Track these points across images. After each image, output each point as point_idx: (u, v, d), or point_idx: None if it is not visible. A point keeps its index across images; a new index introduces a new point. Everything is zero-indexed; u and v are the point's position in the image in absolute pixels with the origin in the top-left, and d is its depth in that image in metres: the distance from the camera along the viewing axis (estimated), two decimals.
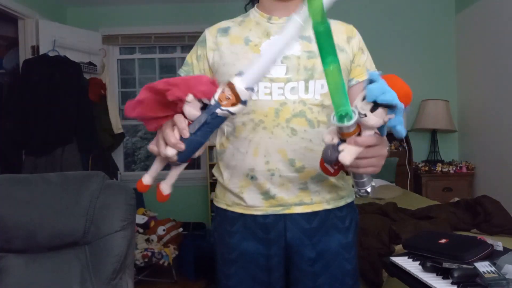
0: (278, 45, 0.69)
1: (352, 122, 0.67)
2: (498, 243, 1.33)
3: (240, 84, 0.68)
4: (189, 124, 0.72)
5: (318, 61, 0.96)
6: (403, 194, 3.22)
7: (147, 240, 3.02)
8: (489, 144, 3.36)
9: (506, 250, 1.29)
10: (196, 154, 0.74)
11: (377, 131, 0.71)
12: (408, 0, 3.90)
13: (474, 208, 2.12)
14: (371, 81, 0.68)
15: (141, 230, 3.08)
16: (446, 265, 1.15)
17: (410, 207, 2.46)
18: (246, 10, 1.10)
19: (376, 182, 3.30)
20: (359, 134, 0.70)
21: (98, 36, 3.81)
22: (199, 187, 3.91)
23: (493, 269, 1.11)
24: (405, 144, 3.73)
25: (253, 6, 1.08)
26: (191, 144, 0.72)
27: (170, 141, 0.71)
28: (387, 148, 0.78)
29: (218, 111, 0.69)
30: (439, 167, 3.59)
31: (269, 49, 0.70)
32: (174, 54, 4.20)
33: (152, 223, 3.14)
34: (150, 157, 4.33)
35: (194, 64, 1.06)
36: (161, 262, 2.86)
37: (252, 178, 0.97)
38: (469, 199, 2.34)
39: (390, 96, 0.66)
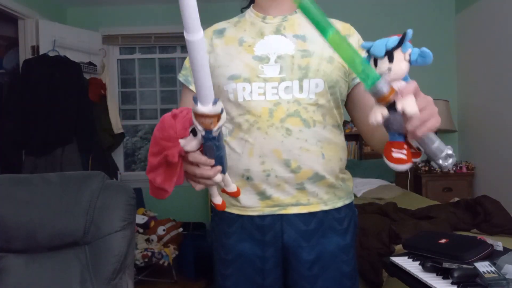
0: (202, 57, 0.67)
1: (382, 80, 0.65)
2: (498, 243, 1.33)
3: (206, 109, 0.66)
4: (201, 149, 0.74)
5: (312, 59, 0.96)
6: (403, 194, 3.22)
7: (147, 240, 3.02)
8: (489, 144, 3.36)
9: (506, 250, 1.29)
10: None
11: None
12: (408, 0, 3.90)
13: (474, 208, 2.12)
14: (367, 51, 0.70)
15: (141, 230, 3.08)
16: (446, 265, 1.15)
17: (410, 207, 2.46)
18: (242, 13, 1.10)
19: (376, 182, 3.29)
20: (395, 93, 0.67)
21: (98, 36, 3.81)
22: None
23: (493, 269, 1.11)
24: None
25: (250, 8, 1.09)
26: (219, 160, 0.74)
27: (210, 175, 0.74)
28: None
29: (214, 133, 0.70)
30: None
31: (197, 60, 0.67)
32: (174, 54, 4.20)
33: (152, 223, 3.14)
34: None
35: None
36: (161, 262, 2.86)
37: (248, 178, 0.97)
38: (469, 199, 2.34)
39: (393, 38, 0.67)
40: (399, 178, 3.64)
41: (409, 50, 0.67)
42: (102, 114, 3.47)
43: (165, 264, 2.88)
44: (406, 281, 1.25)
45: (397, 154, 0.74)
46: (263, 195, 0.97)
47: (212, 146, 0.72)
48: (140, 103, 4.20)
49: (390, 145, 0.74)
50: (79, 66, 3.31)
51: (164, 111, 4.23)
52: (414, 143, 0.74)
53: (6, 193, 1.40)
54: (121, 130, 3.61)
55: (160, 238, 3.05)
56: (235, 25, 1.05)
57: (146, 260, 2.79)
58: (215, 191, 0.82)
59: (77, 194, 1.40)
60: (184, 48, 4.13)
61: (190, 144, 0.72)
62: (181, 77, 1.09)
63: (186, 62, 1.08)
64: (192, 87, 1.06)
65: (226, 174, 0.80)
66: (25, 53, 3.27)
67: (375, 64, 0.69)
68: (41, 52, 3.21)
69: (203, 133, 0.70)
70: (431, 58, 0.67)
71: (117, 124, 3.55)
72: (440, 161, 0.73)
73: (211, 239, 1.10)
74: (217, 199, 0.83)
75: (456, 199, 2.58)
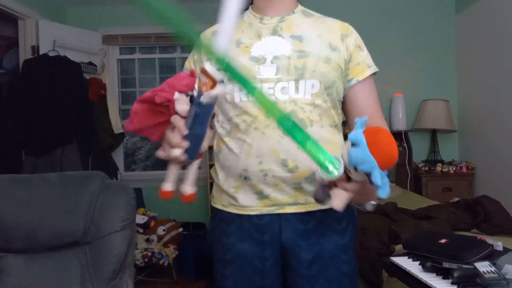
0: (231, 6, 0.72)
1: (338, 176, 0.68)
2: (498, 243, 1.33)
3: (210, 67, 0.70)
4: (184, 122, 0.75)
5: (308, 60, 0.96)
6: (403, 194, 3.22)
7: (147, 240, 3.02)
8: (489, 144, 3.36)
9: (506, 250, 1.29)
10: (203, 148, 0.77)
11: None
12: (408, 0, 3.90)
13: (474, 208, 2.12)
14: (353, 144, 0.67)
15: (141, 230, 3.08)
16: (446, 265, 1.15)
17: (410, 207, 2.46)
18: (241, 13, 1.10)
19: None
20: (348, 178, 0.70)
21: (98, 36, 3.81)
22: (199, 187, 3.89)
23: (493, 269, 1.11)
24: (405, 144, 3.73)
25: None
26: (193, 138, 0.74)
27: (173, 142, 0.73)
28: None
29: (202, 99, 0.72)
30: (439, 167, 3.59)
31: (225, 12, 0.73)
32: (174, 54, 4.20)
33: (152, 223, 3.14)
34: (150, 157, 4.33)
35: (192, 68, 1.06)
36: (161, 262, 2.86)
37: (246, 178, 0.97)
38: (469, 199, 2.34)
39: (369, 168, 0.64)
40: (399, 178, 3.64)
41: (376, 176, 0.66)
42: (102, 114, 3.47)
43: (165, 264, 2.88)
44: (406, 281, 1.25)
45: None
46: (261, 195, 0.97)
47: (193, 114, 0.73)
48: None
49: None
50: (79, 66, 3.30)
51: None
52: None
53: (6, 193, 1.40)
54: (121, 130, 3.61)
55: (160, 238, 3.05)
56: None
57: (146, 260, 2.79)
58: (171, 174, 0.80)
59: (77, 194, 1.40)
60: (183, 48, 4.13)
61: (181, 104, 0.73)
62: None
63: (187, 64, 1.09)
64: None
65: (194, 168, 0.80)
66: (25, 53, 3.27)
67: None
68: (41, 52, 3.21)
69: (195, 92, 0.72)
70: (382, 196, 0.66)
71: (117, 124, 3.55)
72: (356, 206, 0.82)
73: (211, 239, 1.10)
74: (167, 185, 0.80)
75: (456, 199, 2.58)
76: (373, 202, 0.80)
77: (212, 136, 0.79)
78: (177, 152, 0.74)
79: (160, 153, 0.77)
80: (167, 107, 0.75)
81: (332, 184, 0.72)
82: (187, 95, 0.74)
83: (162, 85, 0.76)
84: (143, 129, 0.79)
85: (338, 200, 0.70)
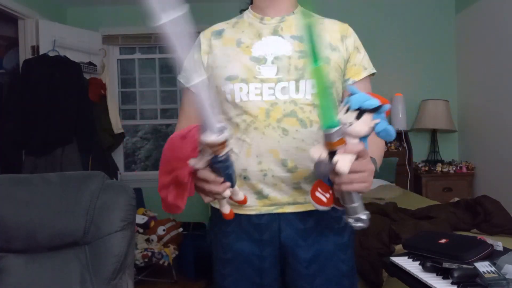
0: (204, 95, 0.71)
1: (337, 128, 0.70)
2: (498, 243, 1.33)
3: (211, 138, 0.70)
4: (210, 166, 0.77)
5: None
6: (403, 194, 3.22)
7: (147, 240, 3.02)
8: (489, 144, 3.36)
9: (506, 250, 1.29)
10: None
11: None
12: (408, 0, 3.90)
13: (474, 208, 2.12)
14: (351, 95, 0.73)
15: (141, 230, 3.08)
16: (446, 265, 1.15)
17: (410, 207, 2.46)
18: (240, 13, 1.11)
19: (376, 182, 3.31)
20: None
21: (98, 36, 3.81)
22: None
23: (493, 269, 1.11)
24: (405, 144, 3.73)
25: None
26: (229, 176, 0.78)
27: (220, 191, 0.78)
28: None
29: (221, 158, 0.74)
30: (439, 167, 3.59)
31: (201, 100, 0.70)
32: None
33: (152, 223, 3.14)
34: (150, 157, 4.34)
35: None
36: (161, 262, 2.86)
37: (245, 178, 0.97)
38: (469, 199, 2.34)
39: (374, 101, 0.69)
40: (399, 178, 3.64)
41: (377, 120, 0.71)
42: (102, 114, 3.47)
43: (165, 264, 2.88)
44: (406, 281, 1.25)
45: (319, 194, 0.80)
46: (260, 195, 0.97)
47: (221, 168, 0.75)
48: (140, 103, 4.19)
49: (318, 184, 0.81)
50: (79, 66, 3.30)
51: (164, 111, 4.23)
52: (338, 193, 0.79)
53: (6, 193, 1.39)
54: (121, 130, 3.61)
55: (160, 238, 3.05)
56: (233, 26, 1.05)
57: (146, 260, 2.79)
58: (223, 202, 0.85)
59: (77, 194, 1.40)
60: None
61: (200, 162, 0.75)
62: (181, 79, 1.08)
63: (186, 63, 1.08)
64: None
65: (236, 186, 0.83)
66: (25, 53, 3.27)
67: (347, 111, 0.73)
68: (41, 52, 3.21)
69: (209, 157, 0.74)
70: (392, 138, 0.72)
71: (117, 124, 3.55)
72: (349, 220, 0.79)
73: (210, 238, 1.11)
74: (225, 209, 0.86)
75: (456, 199, 2.58)
76: (366, 211, 0.80)
77: None
78: (227, 194, 0.79)
79: (208, 199, 0.83)
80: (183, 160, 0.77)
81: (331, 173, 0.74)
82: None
83: (167, 160, 0.78)
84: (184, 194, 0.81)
85: (343, 162, 0.71)
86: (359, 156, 0.73)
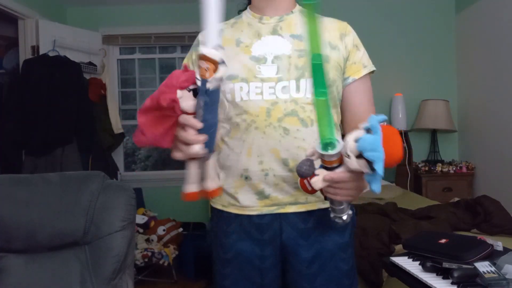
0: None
1: (335, 152, 0.69)
2: (498, 243, 1.33)
3: (206, 50, 0.69)
4: (193, 116, 0.73)
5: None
6: (403, 194, 3.22)
7: (147, 240, 3.02)
8: (489, 144, 3.36)
9: (506, 250, 1.29)
10: (218, 137, 0.77)
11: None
12: (408, 0, 3.90)
13: (474, 208, 2.12)
14: (368, 129, 0.68)
15: (141, 230, 3.08)
16: (446, 265, 1.15)
17: (410, 207, 2.46)
18: (238, 14, 1.11)
19: None
20: (340, 163, 0.72)
21: (98, 36, 3.81)
22: None
23: (493, 269, 1.11)
24: (405, 144, 3.73)
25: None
26: (208, 129, 0.73)
27: (190, 140, 0.72)
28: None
29: (208, 85, 0.71)
30: (439, 167, 3.59)
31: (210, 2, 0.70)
32: (174, 54, 4.20)
33: (152, 223, 3.14)
34: (150, 157, 4.33)
35: (190, 68, 1.06)
36: (161, 262, 2.86)
37: (246, 178, 0.97)
38: (469, 199, 2.34)
39: (377, 158, 0.65)
40: (399, 178, 3.64)
41: (369, 173, 0.68)
42: (102, 114, 3.47)
43: (165, 264, 2.88)
44: (406, 281, 1.25)
45: (306, 182, 0.78)
46: (261, 195, 0.97)
47: (202, 105, 0.71)
48: (140, 103, 4.19)
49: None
50: (79, 66, 3.30)
51: None
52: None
53: (6, 193, 1.40)
54: (121, 130, 3.61)
55: (160, 238, 3.05)
56: (232, 26, 1.05)
57: (146, 260, 2.79)
58: (192, 174, 0.78)
59: (77, 194, 1.40)
60: (184, 48, 4.14)
61: (186, 100, 0.72)
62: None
63: (185, 63, 1.09)
64: None
65: (212, 162, 0.78)
66: (25, 53, 3.27)
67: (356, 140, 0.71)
68: (41, 52, 3.21)
69: (199, 82, 0.70)
70: (374, 192, 0.70)
71: (117, 124, 3.55)
72: (331, 215, 0.81)
73: (210, 238, 1.10)
74: (191, 187, 0.78)
75: (456, 199, 2.58)
76: (350, 212, 0.81)
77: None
78: (197, 148, 0.72)
79: (178, 154, 0.76)
80: (173, 109, 0.73)
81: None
82: (189, 90, 0.73)
83: (159, 88, 0.74)
84: (157, 138, 0.76)
85: (320, 180, 0.71)
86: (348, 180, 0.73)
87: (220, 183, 0.81)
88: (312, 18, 0.65)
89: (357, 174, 0.72)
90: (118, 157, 3.97)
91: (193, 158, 0.76)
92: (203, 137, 0.72)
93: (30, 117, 2.96)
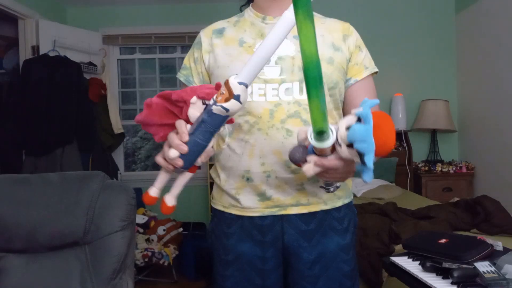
0: (271, 43, 0.71)
1: (327, 146, 0.68)
2: (498, 243, 1.33)
3: (233, 79, 0.70)
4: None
5: None
6: (403, 194, 3.22)
7: (147, 240, 3.02)
8: (489, 144, 3.36)
9: (506, 250, 1.29)
10: (199, 160, 0.76)
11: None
12: (408, 0, 3.90)
13: (474, 208, 2.12)
14: (359, 118, 0.66)
15: (141, 230, 3.08)
16: (446, 265, 1.15)
17: (410, 207, 2.46)
18: (241, 11, 1.09)
19: (376, 182, 3.30)
20: (333, 148, 0.70)
21: (98, 36, 3.81)
22: (199, 187, 3.91)
23: (493, 269, 1.11)
24: (405, 144, 3.73)
25: (249, 6, 1.08)
26: (193, 146, 0.73)
27: (173, 142, 0.73)
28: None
29: (213, 108, 0.71)
30: (439, 167, 3.59)
31: (262, 47, 0.71)
32: (174, 54, 4.20)
33: (152, 223, 3.14)
34: (150, 157, 4.33)
35: (192, 67, 1.06)
36: (161, 262, 2.86)
37: (248, 179, 0.96)
38: (469, 199, 2.34)
39: (367, 149, 0.63)
40: (399, 178, 3.65)
41: (359, 162, 0.67)
42: (102, 114, 3.47)
43: (165, 264, 2.88)
44: (406, 281, 1.26)
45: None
46: (263, 196, 0.97)
47: (200, 120, 0.72)
48: (140, 103, 4.19)
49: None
50: (79, 66, 3.30)
51: None
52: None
53: (6, 193, 1.39)
54: (121, 130, 3.61)
55: (160, 238, 3.05)
56: (234, 25, 1.04)
57: (146, 260, 2.79)
58: (159, 180, 0.79)
59: (77, 194, 1.40)
60: (184, 48, 4.14)
61: (194, 109, 0.73)
62: (181, 77, 1.08)
63: (186, 62, 1.08)
64: None
65: (182, 181, 0.78)
66: (25, 53, 3.27)
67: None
68: (41, 52, 3.21)
69: (211, 101, 0.71)
70: (365, 182, 0.69)
71: (117, 124, 3.55)
72: (322, 185, 0.84)
73: (211, 239, 1.10)
74: (153, 191, 0.80)
75: (456, 199, 2.58)
76: (337, 184, 0.81)
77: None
78: (173, 153, 0.73)
79: (158, 159, 0.77)
80: (181, 109, 0.74)
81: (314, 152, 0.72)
82: (204, 103, 0.73)
83: (185, 88, 0.76)
84: (149, 124, 0.78)
85: (311, 168, 0.71)
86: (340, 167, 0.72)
87: (175, 203, 0.80)
88: (306, 20, 0.60)
89: (348, 161, 0.71)
90: (119, 157, 3.97)
91: (167, 165, 0.76)
92: (184, 148, 0.72)
93: (30, 117, 2.96)
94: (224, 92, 0.70)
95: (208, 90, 0.74)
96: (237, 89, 0.70)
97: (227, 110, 0.71)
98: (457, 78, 3.89)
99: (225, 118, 0.73)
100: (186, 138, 0.73)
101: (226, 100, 0.70)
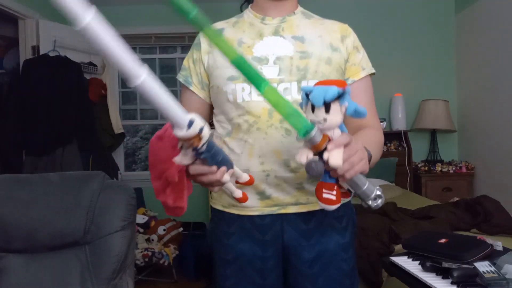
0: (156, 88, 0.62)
1: (315, 130, 0.70)
2: (498, 243, 1.34)
3: (181, 133, 0.64)
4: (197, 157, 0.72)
5: (311, 61, 0.96)
6: (403, 194, 3.22)
7: (148, 240, 3.02)
8: (489, 144, 3.36)
9: (506, 250, 1.30)
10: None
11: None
12: (408, 0, 3.90)
13: (474, 208, 2.13)
14: (306, 95, 0.72)
15: (141, 230, 3.08)
16: (446, 265, 1.15)
17: (410, 207, 2.46)
18: (241, 10, 1.10)
19: (376, 182, 3.32)
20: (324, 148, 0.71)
21: None
22: (199, 187, 3.87)
23: (493, 269, 1.11)
24: (404, 144, 3.73)
25: (248, 6, 1.08)
26: (221, 163, 0.74)
27: (217, 179, 0.73)
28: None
29: (201, 149, 0.69)
30: (438, 167, 3.60)
31: (152, 97, 0.62)
32: (174, 54, 4.20)
33: (153, 223, 3.15)
34: None
35: (191, 67, 1.06)
36: (161, 261, 2.86)
37: None
38: (469, 199, 2.34)
39: (333, 89, 0.69)
40: (398, 178, 3.65)
41: (346, 104, 0.71)
42: (102, 114, 3.47)
43: (165, 263, 2.88)
44: (406, 281, 1.26)
45: (327, 195, 0.77)
46: (262, 195, 0.97)
47: (206, 158, 0.72)
48: (140, 103, 4.19)
49: (321, 185, 0.78)
50: (79, 66, 3.30)
51: None
52: (345, 185, 0.78)
53: (6, 193, 1.40)
54: (122, 130, 3.61)
55: (160, 237, 3.05)
56: (233, 26, 1.05)
57: (147, 259, 2.79)
58: (231, 187, 0.80)
59: (77, 194, 1.40)
60: (184, 48, 4.14)
61: (185, 158, 0.71)
62: (180, 78, 1.08)
63: (185, 63, 1.08)
64: (193, 88, 1.06)
65: (234, 167, 0.79)
66: (25, 53, 3.27)
67: (312, 109, 0.72)
68: (41, 52, 3.21)
69: (191, 151, 0.69)
70: (364, 115, 0.72)
71: (117, 124, 3.55)
72: (370, 202, 0.77)
73: (211, 239, 1.10)
74: (237, 193, 0.81)
75: (456, 199, 2.58)
76: (378, 187, 0.78)
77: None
78: (227, 179, 0.74)
79: (217, 189, 0.78)
80: (169, 158, 0.74)
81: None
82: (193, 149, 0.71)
83: (152, 165, 0.75)
84: (180, 186, 0.78)
85: (335, 157, 0.70)
86: (345, 145, 0.73)
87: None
88: (216, 37, 0.66)
89: (349, 135, 0.74)
90: (119, 157, 3.97)
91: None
92: (223, 169, 0.73)
93: (30, 117, 2.96)
94: (192, 141, 0.67)
95: (169, 148, 0.72)
96: (191, 133, 0.64)
97: (208, 139, 0.68)
98: (457, 78, 3.89)
99: (210, 143, 0.71)
100: (213, 169, 0.72)
101: (200, 139, 0.66)
